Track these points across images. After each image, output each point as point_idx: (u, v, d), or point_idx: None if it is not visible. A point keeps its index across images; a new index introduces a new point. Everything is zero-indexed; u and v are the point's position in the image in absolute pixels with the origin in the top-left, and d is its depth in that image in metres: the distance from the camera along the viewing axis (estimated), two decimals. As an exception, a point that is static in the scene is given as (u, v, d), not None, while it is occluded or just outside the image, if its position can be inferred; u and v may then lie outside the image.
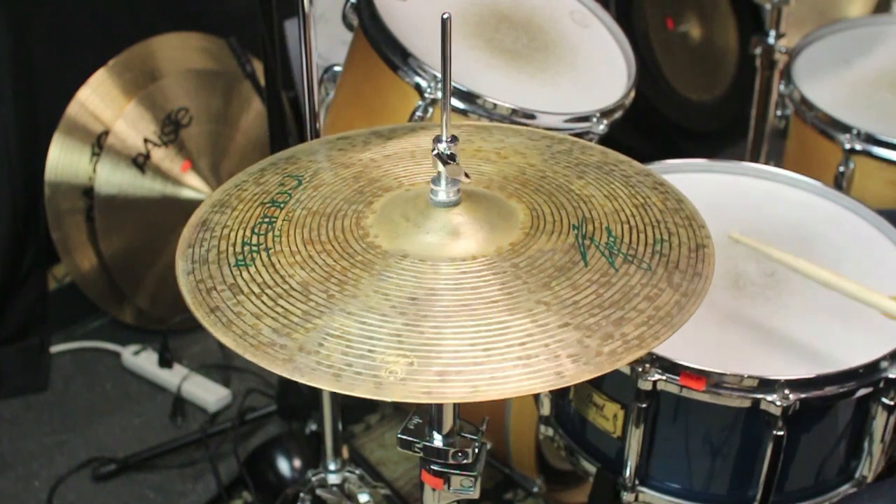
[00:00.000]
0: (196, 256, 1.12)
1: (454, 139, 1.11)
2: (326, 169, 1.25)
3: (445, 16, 1.05)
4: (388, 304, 1.03)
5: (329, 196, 1.20)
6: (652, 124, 2.87)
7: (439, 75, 1.67)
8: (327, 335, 1.01)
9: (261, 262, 1.09)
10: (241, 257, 1.11)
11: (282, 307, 1.04)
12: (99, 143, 2.35)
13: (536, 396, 1.64)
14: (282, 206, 1.18)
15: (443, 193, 1.13)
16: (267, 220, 1.16)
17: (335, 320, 1.02)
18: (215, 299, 1.06)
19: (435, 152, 1.11)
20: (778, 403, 1.36)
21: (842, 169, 1.94)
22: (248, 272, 1.09)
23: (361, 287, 1.05)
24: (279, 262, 1.09)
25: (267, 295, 1.06)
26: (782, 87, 2.12)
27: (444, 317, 1.02)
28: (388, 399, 0.97)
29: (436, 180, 1.13)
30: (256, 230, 1.14)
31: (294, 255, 1.10)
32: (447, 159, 1.10)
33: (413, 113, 1.69)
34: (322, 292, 1.05)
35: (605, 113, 1.76)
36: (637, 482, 1.50)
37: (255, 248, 1.12)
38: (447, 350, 0.99)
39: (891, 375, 1.41)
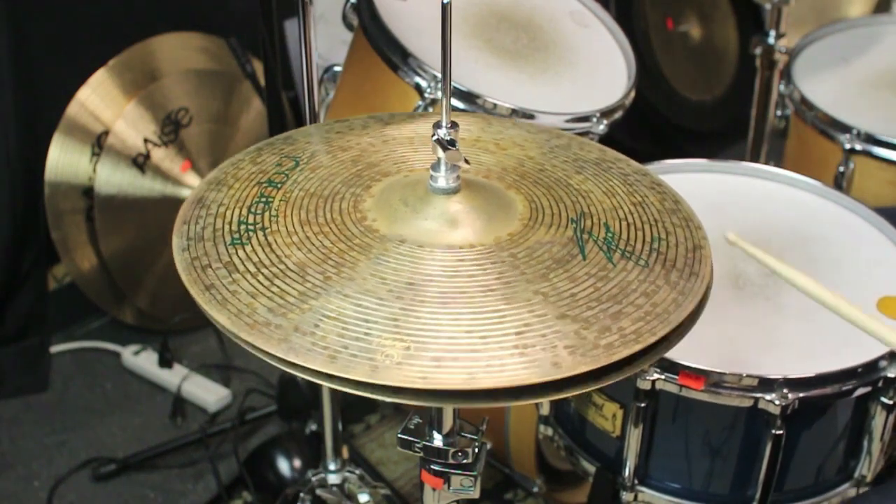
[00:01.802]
0: (192, 233, 1.11)
1: (454, 125, 1.11)
2: (324, 151, 1.25)
3: (445, 1, 1.04)
4: (385, 287, 1.03)
5: (327, 178, 1.19)
6: (652, 124, 2.87)
7: (439, 75, 1.67)
8: (323, 317, 1.00)
9: (257, 242, 1.09)
10: (237, 236, 1.10)
11: (278, 287, 1.03)
12: (99, 143, 2.35)
13: (536, 396, 1.64)
14: (279, 186, 1.17)
15: (442, 180, 1.12)
16: (264, 199, 1.15)
17: (331, 302, 1.01)
18: (210, 277, 1.05)
19: (435, 138, 1.10)
20: (777, 403, 1.36)
21: (842, 169, 1.94)
22: (244, 251, 1.07)
23: (358, 270, 1.05)
24: (276, 241, 1.08)
25: (263, 274, 1.04)
26: (782, 87, 2.12)
27: (441, 303, 1.01)
28: (385, 391, 0.96)
29: (435, 166, 1.12)
30: (253, 209, 1.13)
31: (291, 236, 1.09)
32: (447, 145, 1.10)
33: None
34: (319, 273, 1.04)
35: (605, 113, 1.76)
36: (636, 482, 1.50)
37: (251, 228, 1.11)
38: (443, 336, 0.98)
39: (890, 374, 1.41)
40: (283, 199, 1.15)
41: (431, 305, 1.01)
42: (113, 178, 2.36)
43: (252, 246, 1.08)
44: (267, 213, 1.13)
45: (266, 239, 1.09)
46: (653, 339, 1.01)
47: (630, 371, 1.01)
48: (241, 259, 1.07)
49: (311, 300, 1.02)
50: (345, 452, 1.76)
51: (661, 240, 1.13)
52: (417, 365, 0.96)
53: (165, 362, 2.37)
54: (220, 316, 1.01)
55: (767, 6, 2.23)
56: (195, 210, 1.15)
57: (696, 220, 1.18)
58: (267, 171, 1.20)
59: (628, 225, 1.14)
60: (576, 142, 1.30)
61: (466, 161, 1.13)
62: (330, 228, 1.11)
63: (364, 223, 1.11)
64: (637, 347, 1.00)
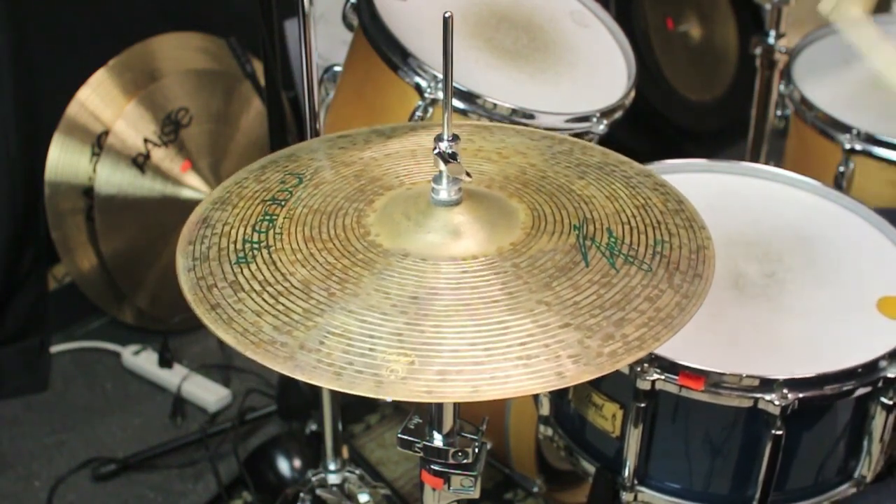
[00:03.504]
0: (197, 253, 1.12)
1: (455, 138, 1.11)
2: (327, 167, 1.25)
3: (447, 14, 1.05)
4: (388, 302, 1.03)
5: (330, 194, 1.20)
6: (652, 124, 2.87)
7: (439, 75, 1.68)
8: (328, 333, 1.01)
9: (262, 260, 1.09)
10: (241, 254, 1.11)
11: (283, 305, 1.04)
12: (99, 143, 2.35)
13: (536, 396, 1.64)
14: (283, 203, 1.18)
15: (444, 192, 1.13)
16: (268, 217, 1.16)
17: (336, 318, 1.02)
18: (216, 296, 1.06)
19: (436, 151, 1.11)
20: (777, 403, 1.36)
21: (842, 169, 1.94)
22: (249, 269, 1.09)
23: (362, 285, 1.05)
24: (280, 259, 1.09)
25: (268, 292, 1.05)
26: (782, 87, 2.12)
27: (445, 316, 1.02)
28: (389, 398, 0.97)
29: (437, 179, 1.13)
30: (257, 227, 1.14)
31: (295, 253, 1.10)
32: (448, 158, 1.10)
33: (413, 113, 1.69)
34: (323, 290, 1.05)
35: (605, 113, 1.76)
36: (636, 482, 1.50)
37: (256, 246, 1.12)
38: (448, 349, 0.99)
39: (890, 375, 1.41)
40: (287, 217, 1.16)
41: (435, 319, 1.02)
42: (113, 178, 2.36)
43: (257, 264, 1.09)
44: (271, 231, 1.13)
45: (270, 257, 1.10)
46: (656, 345, 1.01)
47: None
48: (245, 278, 1.08)
49: (316, 317, 1.02)
50: (345, 452, 1.76)
51: (665, 242, 1.13)
52: (422, 379, 0.97)
53: (165, 362, 2.37)
54: (226, 335, 1.02)
55: (767, 6, 2.23)
56: (200, 230, 1.15)
57: (700, 220, 1.18)
58: (271, 188, 1.21)
59: (631, 229, 1.15)
60: (578, 146, 1.30)
61: (468, 174, 1.13)
62: (334, 244, 1.11)
63: (367, 238, 1.12)
64: (640, 354, 1.00)
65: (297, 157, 1.29)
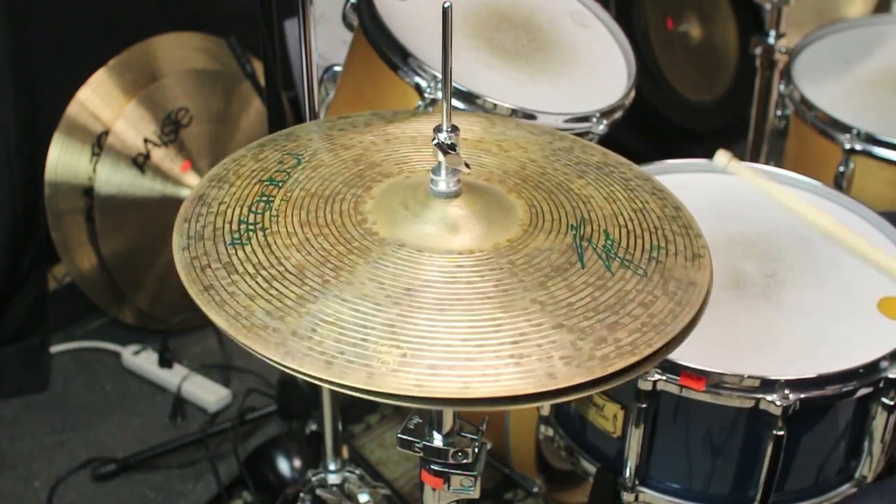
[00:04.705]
0: (192, 232, 1.10)
1: (455, 129, 1.10)
2: (326, 149, 1.24)
3: (447, 4, 1.04)
4: (382, 292, 1.02)
5: (328, 178, 1.18)
6: (652, 124, 2.87)
7: (439, 75, 1.67)
8: (321, 321, 0.99)
9: (257, 242, 1.08)
10: (236, 235, 1.09)
11: (276, 290, 1.02)
12: (99, 143, 2.35)
13: (536, 396, 1.64)
14: (280, 185, 1.16)
15: (443, 184, 1.12)
16: (264, 198, 1.14)
17: (329, 306, 1.01)
18: (209, 277, 1.04)
19: (435, 142, 1.10)
20: (778, 403, 1.36)
21: (842, 169, 1.94)
22: (244, 251, 1.07)
23: (357, 274, 1.04)
24: (275, 242, 1.08)
25: (262, 276, 1.04)
26: (782, 87, 2.12)
27: (439, 310, 1.01)
28: (381, 395, 0.96)
29: (436, 170, 1.12)
30: (254, 209, 1.13)
31: (290, 237, 1.09)
32: (447, 149, 1.10)
33: (413, 113, 1.70)
34: (317, 277, 1.04)
35: (604, 113, 1.76)
36: (637, 482, 1.50)
37: (251, 227, 1.10)
38: (439, 343, 0.98)
39: (891, 375, 1.41)
40: (284, 199, 1.14)
41: (428, 312, 1.01)
42: (113, 178, 2.36)
43: (252, 246, 1.07)
44: (267, 213, 1.12)
45: (266, 240, 1.08)
46: (649, 351, 1.00)
47: (624, 379, 1.00)
48: (240, 260, 1.06)
49: (309, 304, 1.01)
50: (345, 452, 1.76)
51: (661, 248, 1.12)
52: (413, 372, 0.95)
53: (165, 362, 2.37)
54: (217, 317, 1.00)
55: (767, 6, 2.23)
56: (196, 207, 1.14)
57: (697, 227, 1.17)
58: (269, 168, 1.20)
59: (628, 232, 1.14)
60: (578, 144, 1.30)
61: (467, 165, 1.12)
62: (330, 230, 1.10)
63: (364, 226, 1.11)
64: (633, 359, 0.99)
65: (296, 136, 1.27)
